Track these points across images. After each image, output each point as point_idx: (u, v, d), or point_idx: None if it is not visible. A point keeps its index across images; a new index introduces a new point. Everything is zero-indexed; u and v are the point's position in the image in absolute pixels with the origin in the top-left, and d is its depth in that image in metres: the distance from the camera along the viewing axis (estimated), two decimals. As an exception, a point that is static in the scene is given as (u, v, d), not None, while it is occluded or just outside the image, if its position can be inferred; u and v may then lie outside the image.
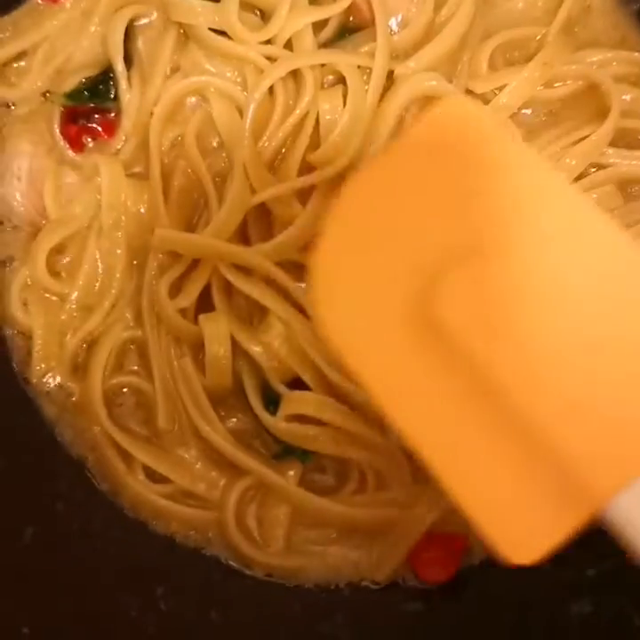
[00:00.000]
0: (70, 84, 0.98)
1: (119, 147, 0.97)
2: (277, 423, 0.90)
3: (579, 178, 0.96)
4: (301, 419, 0.90)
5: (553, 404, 0.54)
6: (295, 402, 0.89)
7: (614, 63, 1.00)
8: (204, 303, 0.93)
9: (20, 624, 0.71)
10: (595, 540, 0.86)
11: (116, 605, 0.80)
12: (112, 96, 0.98)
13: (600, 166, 0.97)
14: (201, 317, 0.90)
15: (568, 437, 0.54)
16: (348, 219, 0.60)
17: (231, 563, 0.90)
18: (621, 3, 1.04)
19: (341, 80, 0.94)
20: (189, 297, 0.91)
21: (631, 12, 1.04)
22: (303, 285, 0.92)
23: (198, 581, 0.88)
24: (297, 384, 0.91)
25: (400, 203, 0.60)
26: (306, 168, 0.94)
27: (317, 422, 0.90)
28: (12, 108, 0.99)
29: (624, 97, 0.98)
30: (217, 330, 0.89)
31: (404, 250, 0.58)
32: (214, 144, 0.97)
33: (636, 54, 1.01)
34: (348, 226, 0.60)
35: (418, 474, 0.91)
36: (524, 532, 0.56)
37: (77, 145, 0.97)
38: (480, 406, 0.55)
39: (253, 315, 0.95)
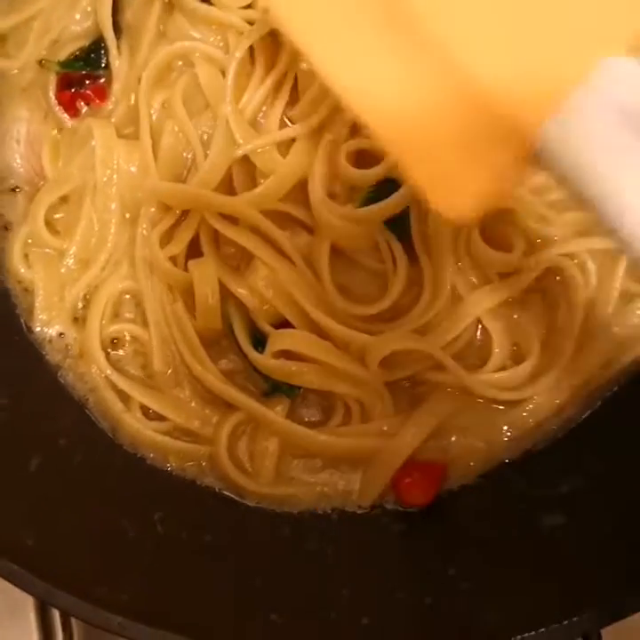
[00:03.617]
0: (64, 53, 1.04)
1: (111, 109, 1.03)
2: (265, 360, 0.94)
3: None
4: (287, 355, 0.94)
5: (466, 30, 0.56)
6: (281, 338, 0.94)
7: None
8: (194, 253, 0.98)
9: (25, 537, 0.76)
10: (564, 459, 0.92)
11: (116, 526, 0.84)
12: (103, 64, 1.04)
13: None
14: (190, 263, 0.96)
15: (491, 74, 0.55)
16: None
17: (225, 492, 0.95)
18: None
19: (318, 40, 1.00)
20: (179, 245, 0.96)
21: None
22: (286, 233, 0.98)
23: (194, 509, 0.93)
24: (282, 326, 0.96)
25: None
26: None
27: (302, 358, 0.94)
28: (9, 76, 1.05)
29: None
30: (205, 273, 0.94)
31: None
32: (200, 105, 1.01)
33: None
34: None
35: (399, 405, 0.96)
36: (458, 182, 0.57)
37: (72, 110, 1.03)
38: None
39: (240, 264, 0.99)
